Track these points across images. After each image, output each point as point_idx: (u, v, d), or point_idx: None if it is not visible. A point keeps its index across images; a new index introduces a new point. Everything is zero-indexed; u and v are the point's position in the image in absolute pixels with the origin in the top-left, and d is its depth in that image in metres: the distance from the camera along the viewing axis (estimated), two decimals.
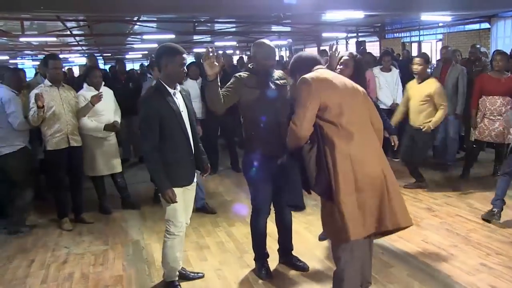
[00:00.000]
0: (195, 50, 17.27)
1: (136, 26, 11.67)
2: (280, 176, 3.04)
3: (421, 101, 4.94)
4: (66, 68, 12.71)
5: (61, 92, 4.38)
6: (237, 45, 18.72)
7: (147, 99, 2.94)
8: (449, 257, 3.54)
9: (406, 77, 6.31)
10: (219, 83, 2.94)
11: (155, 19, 10.87)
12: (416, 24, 14.05)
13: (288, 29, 14.44)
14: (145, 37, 12.04)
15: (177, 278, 3.21)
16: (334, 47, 3.26)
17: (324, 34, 15.69)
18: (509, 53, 6.16)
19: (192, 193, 3.22)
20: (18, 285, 3.44)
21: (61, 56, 11.05)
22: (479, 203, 4.70)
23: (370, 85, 5.74)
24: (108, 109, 4.75)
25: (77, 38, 13.44)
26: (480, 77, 5.52)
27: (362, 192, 2.36)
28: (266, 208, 3.26)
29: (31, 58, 21.28)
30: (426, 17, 9.95)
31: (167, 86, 2.93)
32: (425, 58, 5.16)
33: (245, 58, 12.53)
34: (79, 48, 17.13)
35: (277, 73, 3.21)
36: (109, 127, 4.65)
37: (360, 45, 14.67)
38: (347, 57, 3.44)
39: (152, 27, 11.52)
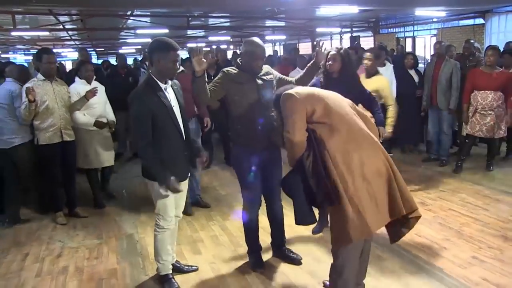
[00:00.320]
0: (189, 44, 17.23)
1: (129, 21, 11.60)
2: (268, 168, 3.21)
3: None
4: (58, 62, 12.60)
5: (54, 87, 4.36)
6: (231, 40, 18.66)
7: (137, 96, 2.86)
8: (441, 250, 3.58)
9: (400, 72, 6.36)
10: (206, 79, 3.00)
11: (149, 13, 10.80)
12: (410, 19, 14.09)
13: (282, 24, 14.41)
14: (138, 31, 11.96)
15: (170, 271, 3.22)
16: (321, 43, 3.30)
17: (319, 29, 15.67)
18: (502, 49, 6.20)
19: (184, 187, 3.20)
20: (13, 278, 3.44)
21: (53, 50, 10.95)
22: (471, 198, 4.74)
23: None
24: (100, 102, 4.77)
25: (70, 32, 13.32)
26: (472, 72, 5.57)
27: (369, 183, 2.34)
28: (257, 199, 3.30)
29: (23, 52, 21.10)
30: (420, 12, 9.98)
31: (158, 81, 2.89)
32: (376, 54, 5.15)
33: (239, 53, 12.49)
34: (72, 42, 17.00)
35: (264, 68, 3.24)
36: (99, 124, 4.65)
37: (354, 40, 14.68)
38: (334, 52, 3.49)
39: (146, 21, 11.44)
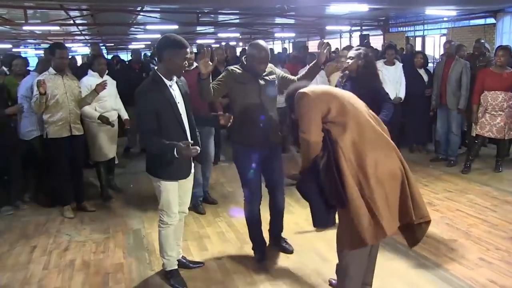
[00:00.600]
0: (198, 41, 17.24)
1: (139, 16, 11.63)
2: (270, 164, 3.37)
3: None
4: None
5: (65, 81, 4.40)
6: (241, 36, 18.64)
7: (143, 92, 2.86)
8: (448, 251, 3.56)
9: (409, 71, 6.32)
10: (210, 80, 3.12)
11: (159, 9, 10.83)
12: (420, 19, 13.98)
13: (292, 21, 14.37)
14: (148, 27, 12.01)
15: (176, 267, 3.23)
16: (324, 45, 3.33)
17: (328, 27, 15.63)
18: None
19: (189, 183, 3.21)
20: (21, 270, 3.48)
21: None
22: (480, 199, 4.71)
23: None
24: (111, 95, 4.90)
25: (80, 27, 13.41)
26: (482, 72, 5.52)
27: (383, 185, 2.30)
28: (256, 195, 3.39)
29: (34, 46, 21.26)
30: (430, 11, 9.88)
31: (164, 78, 2.89)
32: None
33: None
34: (82, 37, 17.10)
35: (267, 68, 3.31)
36: (103, 119, 4.70)
37: (364, 38, 14.60)
38: (354, 51, 3.50)
39: (156, 17, 11.47)
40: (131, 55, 8.41)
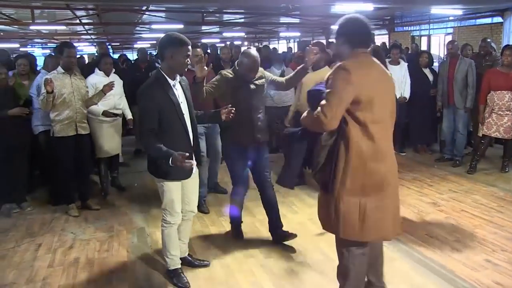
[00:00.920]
0: (203, 40, 17.26)
1: (144, 16, 11.67)
2: (257, 163, 3.63)
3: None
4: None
5: (73, 80, 4.42)
6: (246, 36, 18.65)
7: (146, 90, 2.86)
8: (453, 252, 3.53)
9: (414, 71, 6.29)
10: (204, 83, 3.36)
11: (164, 9, 10.87)
12: (426, 18, 13.90)
13: (297, 20, 14.34)
14: (153, 26, 12.02)
15: (179, 266, 3.23)
16: (311, 49, 3.45)
17: (333, 27, 15.49)
18: None
19: (193, 182, 3.20)
20: (26, 268, 3.50)
21: None
22: (485, 199, 4.68)
23: None
24: (115, 94, 4.94)
25: (86, 27, 13.47)
26: (488, 72, 5.49)
27: (384, 193, 2.31)
28: (243, 180, 3.71)
29: (41, 46, 21.37)
30: (436, 10, 9.83)
31: (167, 77, 2.89)
32: (321, 47, 4.97)
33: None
34: (88, 37, 17.18)
35: (257, 74, 3.55)
36: (107, 114, 4.80)
37: None
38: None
39: (161, 17, 11.50)
40: (137, 54, 8.45)
